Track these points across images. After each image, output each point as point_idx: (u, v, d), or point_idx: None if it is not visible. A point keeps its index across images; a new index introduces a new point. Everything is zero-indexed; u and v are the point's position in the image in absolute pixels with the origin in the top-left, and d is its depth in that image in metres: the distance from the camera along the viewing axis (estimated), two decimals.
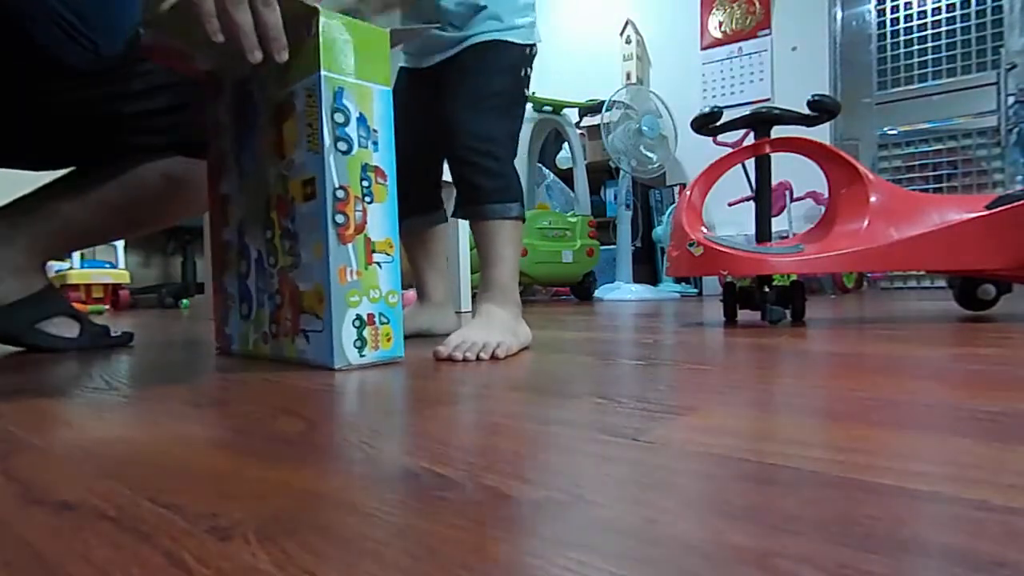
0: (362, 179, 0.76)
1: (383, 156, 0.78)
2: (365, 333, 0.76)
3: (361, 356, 0.75)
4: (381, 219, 0.78)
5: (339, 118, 0.74)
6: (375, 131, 0.77)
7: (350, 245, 0.74)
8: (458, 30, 1.04)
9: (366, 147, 0.76)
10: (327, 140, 0.73)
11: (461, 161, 1.00)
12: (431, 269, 1.21)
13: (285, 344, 0.81)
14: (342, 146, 0.74)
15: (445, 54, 1.06)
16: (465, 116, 1.00)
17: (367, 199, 0.76)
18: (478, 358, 0.81)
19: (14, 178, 1.03)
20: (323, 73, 0.73)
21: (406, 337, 1.05)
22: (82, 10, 0.72)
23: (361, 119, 0.76)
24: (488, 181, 0.98)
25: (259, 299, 0.86)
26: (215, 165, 0.96)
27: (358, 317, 0.75)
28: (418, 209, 1.17)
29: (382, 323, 0.78)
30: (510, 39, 1.04)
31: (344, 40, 0.75)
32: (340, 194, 0.74)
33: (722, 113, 1.37)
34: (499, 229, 0.98)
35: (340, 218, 0.74)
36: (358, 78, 0.76)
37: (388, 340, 0.78)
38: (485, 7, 1.03)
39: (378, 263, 0.77)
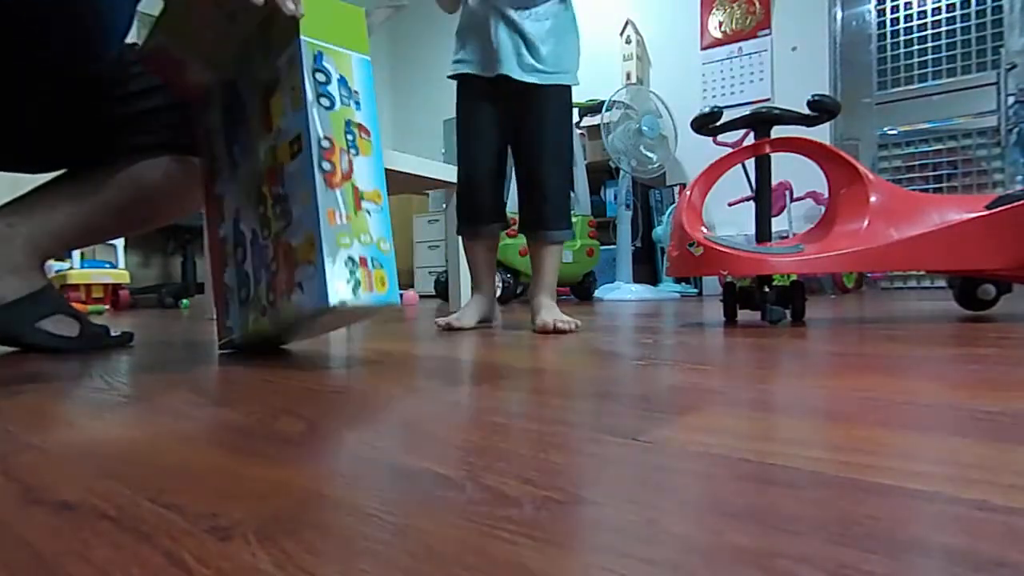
0: (346, 133, 0.77)
1: (366, 115, 0.79)
2: (359, 274, 0.75)
3: (355, 296, 0.74)
4: (368, 171, 0.78)
5: (320, 77, 0.75)
6: (356, 92, 0.78)
7: (338, 191, 0.75)
8: (545, 62, 1.29)
9: (348, 105, 0.77)
10: (309, 95, 0.74)
11: (542, 199, 1.32)
12: (490, 268, 1.45)
13: (282, 306, 0.80)
14: (324, 102, 0.75)
15: (519, 75, 1.28)
16: (548, 167, 1.32)
17: (352, 151, 0.77)
18: (566, 329, 1.20)
19: (13, 178, 1.03)
20: (302, 38, 0.75)
21: (472, 327, 1.33)
22: (78, 18, 0.72)
23: (342, 80, 0.77)
24: (555, 217, 1.33)
25: (256, 276, 0.86)
26: (209, 169, 0.96)
27: (350, 259, 0.74)
28: (493, 217, 1.39)
29: (375, 267, 0.77)
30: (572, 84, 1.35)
31: (320, 14, 0.77)
32: (325, 144, 0.74)
33: (722, 113, 1.37)
34: (555, 249, 1.35)
35: (327, 165, 0.74)
36: (338, 45, 0.78)
37: (383, 284, 0.77)
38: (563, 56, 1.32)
39: (367, 211, 0.77)
